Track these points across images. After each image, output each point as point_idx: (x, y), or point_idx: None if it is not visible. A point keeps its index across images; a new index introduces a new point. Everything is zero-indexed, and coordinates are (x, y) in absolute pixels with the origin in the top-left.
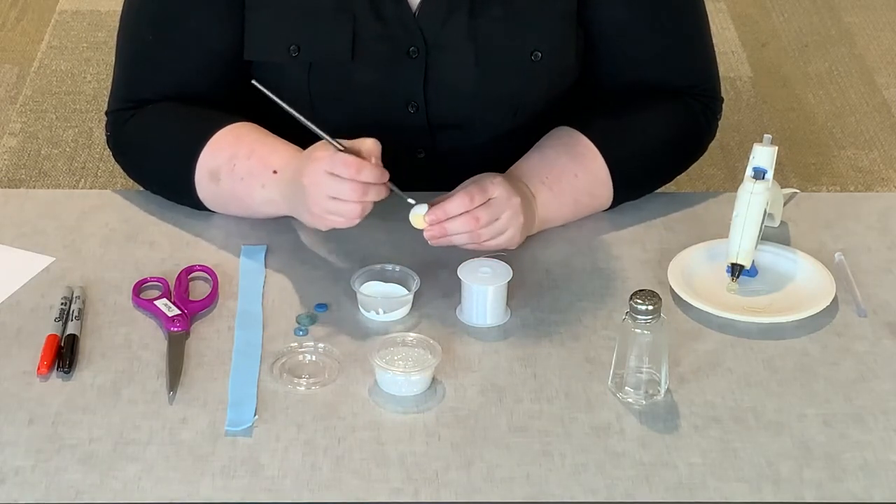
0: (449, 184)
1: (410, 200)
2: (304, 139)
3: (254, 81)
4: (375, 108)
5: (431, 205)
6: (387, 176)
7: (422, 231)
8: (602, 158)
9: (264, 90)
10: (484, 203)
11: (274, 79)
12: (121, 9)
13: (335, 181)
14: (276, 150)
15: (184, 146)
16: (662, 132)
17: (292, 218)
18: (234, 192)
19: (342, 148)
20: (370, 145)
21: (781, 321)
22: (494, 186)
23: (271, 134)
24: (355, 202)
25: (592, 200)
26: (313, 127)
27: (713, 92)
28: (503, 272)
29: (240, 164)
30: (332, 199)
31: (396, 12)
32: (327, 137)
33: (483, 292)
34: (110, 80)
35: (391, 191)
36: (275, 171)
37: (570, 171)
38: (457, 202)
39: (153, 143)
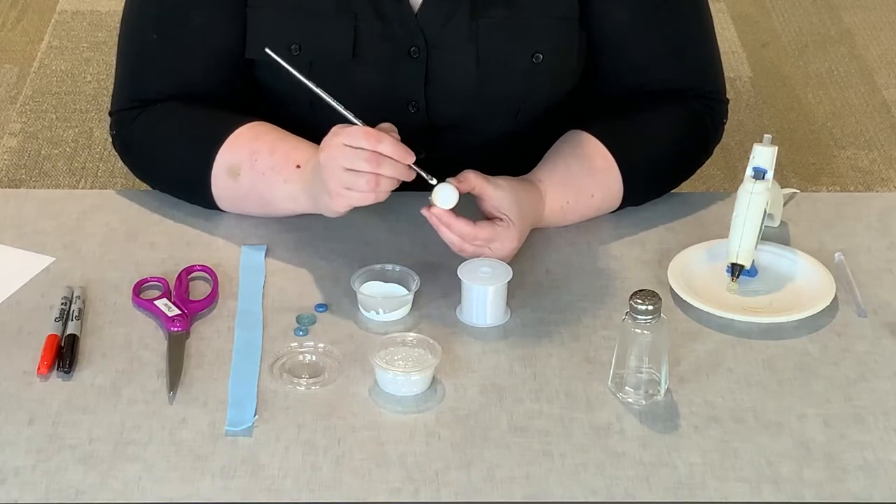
0: None
1: (433, 181)
2: (311, 138)
3: (267, 49)
4: (376, 107)
5: (468, 179)
6: (410, 157)
7: (422, 230)
8: (619, 174)
9: (279, 60)
10: (487, 236)
11: (275, 78)
12: (121, 9)
13: (351, 152)
14: (298, 146)
15: (201, 142)
16: (674, 144)
17: (293, 218)
18: (255, 188)
19: (360, 123)
20: (386, 126)
21: (781, 321)
22: (501, 248)
23: (290, 133)
24: (371, 173)
25: (598, 213)
26: (331, 100)
27: (718, 94)
28: (503, 272)
29: (262, 159)
30: (347, 170)
31: (397, 12)
32: (346, 112)
33: (483, 292)
34: (111, 79)
35: (415, 172)
36: (298, 166)
37: (588, 192)
38: (464, 232)
39: (166, 141)
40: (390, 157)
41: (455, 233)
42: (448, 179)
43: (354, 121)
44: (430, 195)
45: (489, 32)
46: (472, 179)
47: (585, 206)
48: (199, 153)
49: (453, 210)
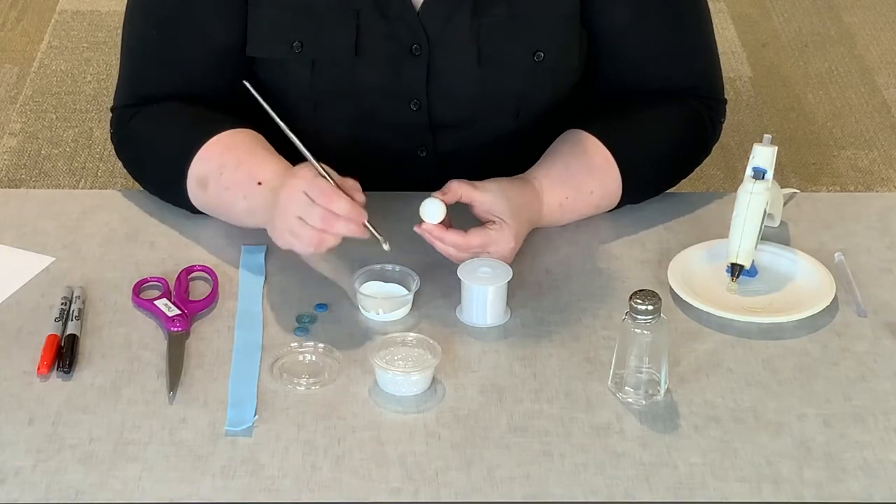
0: None
1: (385, 246)
2: (312, 138)
3: (245, 82)
4: (378, 106)
5: (452, 190)
6: (363, 216)
7: (423, 230)
8: (618, 171)
9: (253, 92)
10: (480, 243)
11: (277, 76)
12: (123, 8)
13: (307, 204)
14: (265, 162)
15: (178, 151)
16: (672, 142)
17: None
18: (220, 201)
19: (323, 173)
20: (350, 183)
21: (781, 321)
22: (499, 250)
23: (265, 144)
24: (317, 230)
25: (597, 211)
26: (299, 144)
27: (716, 94)
28: (503, 272)
29: (227, 173)
30: (297, 219)
31: (400, 10)
32: (311, 159)
33: (483, 292)
34: (110, 80)
35: (370, 231)
36: (259, 183)
37: (588, 189)
38: (456, 242)
39: (152, 146)
40: (344, 217)
41: (448, 244)
42: (433, 194)
43: (315, 165)
44: (419, 211)
45: (491, 30)
46: (456, 188)
47: (584, 203)
48: (177, 162)
49: (445, 222)
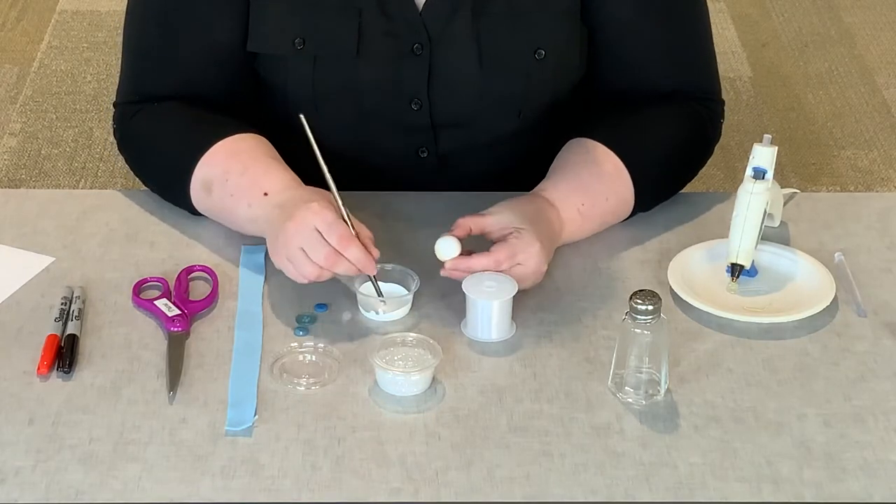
0: (451, 184)
1: (381, 308)
2: (305, 149)
3: (301, 116)
4: (379, 105)
5: (460, 225)
6: (373, 269)
7: (422, 230)
8: (629, 177)
9: (305, 125)
10: (506, 255)
11: (278, 73)
12: (123, 7)
13: (316, 240)
14: (270, 170)
15: (182, 154)
16: (677, 145)
17: None
18: (224, 207)
19: (346, 216)
20: (366, 233)
21: (781, 321)
22: (528, 257)
23: (270, 151)
24: (318, 266)
25: (615, 219)
26: (334, 189)
27: (714, 95)
28: (508, 286)
29: (232, 179)
30: (300, 249)
31: (402, 9)
32: (338, 199)
33: (488, 307)
34: (110, 80)
35: (372, 285)
36: (266, 193)
37: (602, 195)
38: (484, 263)
39: (155, 146)
40: (353, 265)
41: (477, 270)
42: (444, 233)
43: (342, 208)
44: (436, 253)
45: (491, 29)
46: (464, 222)
47: (602, 209)
48: (180, 165)
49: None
